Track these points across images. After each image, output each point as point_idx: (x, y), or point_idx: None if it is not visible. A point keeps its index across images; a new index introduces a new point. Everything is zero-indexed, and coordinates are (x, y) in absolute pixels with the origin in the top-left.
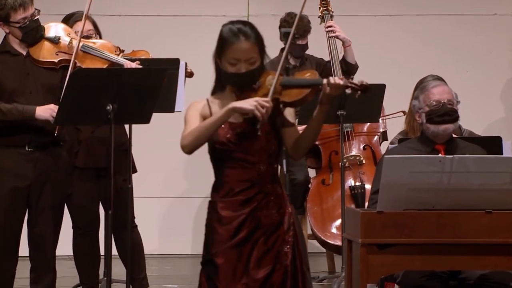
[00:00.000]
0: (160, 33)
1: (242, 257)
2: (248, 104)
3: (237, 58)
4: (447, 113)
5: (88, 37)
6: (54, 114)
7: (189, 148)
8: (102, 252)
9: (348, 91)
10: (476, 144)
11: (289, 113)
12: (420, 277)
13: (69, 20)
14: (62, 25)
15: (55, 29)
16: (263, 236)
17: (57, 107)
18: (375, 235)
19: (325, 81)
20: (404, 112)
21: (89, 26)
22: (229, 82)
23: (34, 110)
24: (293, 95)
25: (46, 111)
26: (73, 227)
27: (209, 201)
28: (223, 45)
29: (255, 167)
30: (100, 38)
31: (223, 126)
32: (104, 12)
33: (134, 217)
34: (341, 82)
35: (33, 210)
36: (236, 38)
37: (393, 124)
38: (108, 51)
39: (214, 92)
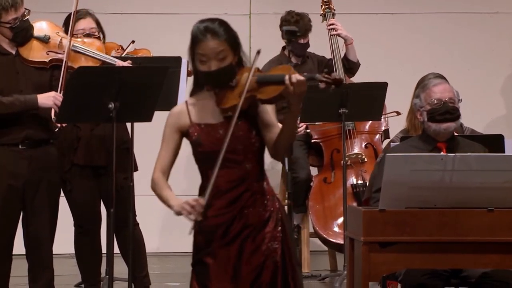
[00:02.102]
0: (162, 31)
1: (231, 256)
2: (178, 208)
3: (205, 55)
4: (448, 111)
5: (90, 35)
6: (57, 102)
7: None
8: (103, 250)
9: (321, 85)
10: (478, 142)
11: (269, 112)
12: (421, 275)
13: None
14: (48, 23)
15: (40, 27)
16: (251, 234)
17: (59, 94)
18: (377, 233)
19: (286, 77)
20: (397, 112)
21: (92, 24)
22: (203, 81)
23: (36, 98)
24: (270, 92)
25: (48, 99)
26: (74, 225)
27: None
28: (193, 44)
29: (241, 166)
30: (104, 36)
31: (204, 128)
32: (106, 10)
33: (135, 215)
34: (302, 78)
35: (29, 209)
36: (203, 36)
37: (395, 122)
38: (98, 50)
39: (193, 93)
